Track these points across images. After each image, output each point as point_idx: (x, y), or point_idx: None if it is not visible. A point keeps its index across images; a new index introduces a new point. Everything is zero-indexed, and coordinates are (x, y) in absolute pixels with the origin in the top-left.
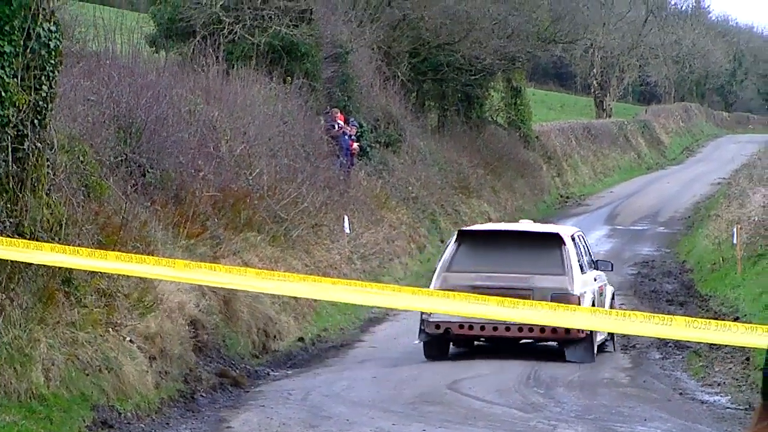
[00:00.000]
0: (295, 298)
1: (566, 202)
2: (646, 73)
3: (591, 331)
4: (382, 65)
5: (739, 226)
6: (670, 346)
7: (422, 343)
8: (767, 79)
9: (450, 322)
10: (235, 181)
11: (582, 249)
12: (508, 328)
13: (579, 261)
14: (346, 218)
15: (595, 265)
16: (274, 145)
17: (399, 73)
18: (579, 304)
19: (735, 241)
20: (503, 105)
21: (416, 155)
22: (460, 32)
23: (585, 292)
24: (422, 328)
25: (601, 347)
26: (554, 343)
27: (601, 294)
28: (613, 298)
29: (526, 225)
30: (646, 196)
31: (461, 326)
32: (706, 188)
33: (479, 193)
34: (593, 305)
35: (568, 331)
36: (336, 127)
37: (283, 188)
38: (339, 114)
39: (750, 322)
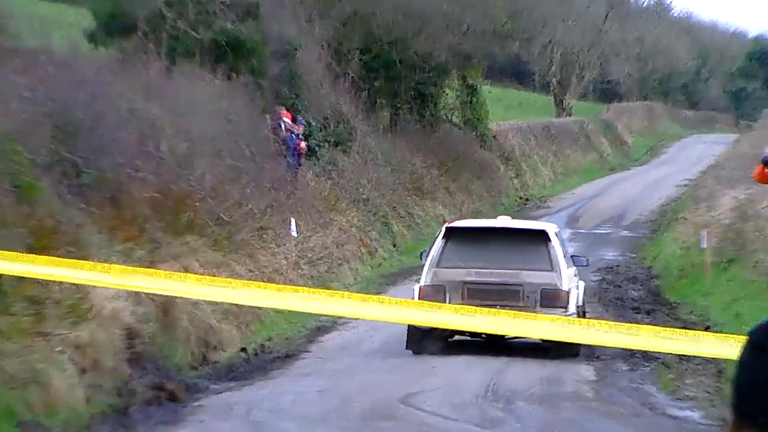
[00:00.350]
0: (237, 305)
1: (525, 204)
2: (608, 70)
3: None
4: (331, 62)
5: (707, 230)
6: (637, 357)
7: (407, 334)
8: (733, 77)
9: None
10: (176, 182)
11: (563, 245)
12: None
13: (564, 256)
14: (292, 221)
15: (573, 260)
16: (217, 144)
17: (349, 71)
18: (568, 299)
19: (704, 246)
20: (458, 103)
21: (367, 155)
22: (413, 28)
23: (572, 287)
24: (411, 326)
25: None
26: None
27: (579, 288)
28: (584, 294)
29: (511, 221)
30: (610, 198)
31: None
32: (672, 190)
33: (433, 195)
34: (578, 300)
35: None
36: (282, 125)
37: (226, 189)
38: (285, 112)
39: (721, 332)
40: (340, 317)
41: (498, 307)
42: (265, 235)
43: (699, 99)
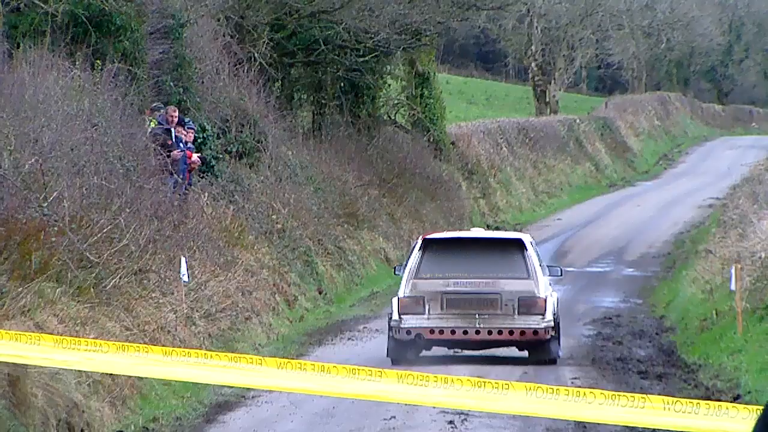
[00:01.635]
0: (111, 375)
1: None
2: (607, 50)
3: (557, 331)
4: (232, 43)
5: (738, 266)
6: None
7: (388, 348)
8: None
9: (421, 327)
10: (24, 210)
11: (538, 254)
12: (477, 332)
13: (540, 265)
14: (183, 261)
15: (548, 270)
16: (78, 157)
17: (257, 54)
18: (545, 306)
19: (733, 288)
20: (405, 98)
21: (282, 170)
22: None
23: (548, 295)
24: (391, 334)
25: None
26: (517, 348)
27: (553, 297)
28: (557, 304)
29: (487, 232)
30: (608, 226)
31: (432, 331)
32: (692, 213)
33: (372, 223)
34: (554, 308)
35: (535, 332)
36: (172, 131)
37: (92, 219)
38: (175, 113)
39: (756, 403)
40: (248, 389)
41: (476, 316)
42: (145, 281)
43: (730, 88)
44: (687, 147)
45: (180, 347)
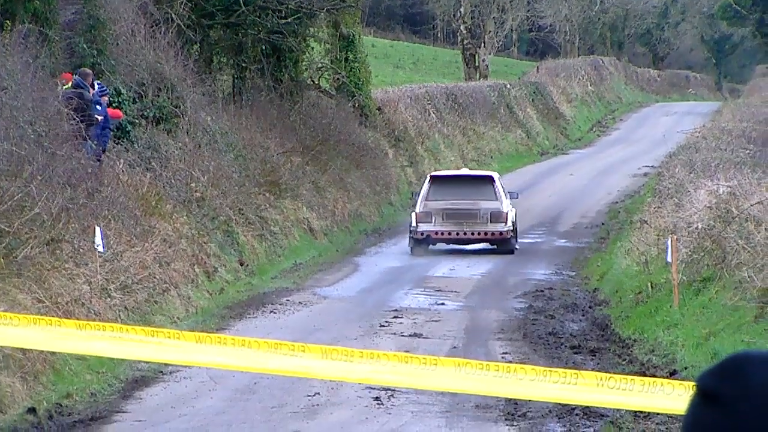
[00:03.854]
0: (22, 349)
1: None
2: (538, 12)
3: (515, 233)
4: (148, 3)
5: (674, 237)
6: (576, 415)
7: (410, 246)
8: (713, 21)
9: (430, 231)
10: None
11: (503, 185)
12: (465, 233)
13: (504, 192)
14: (98, 230)
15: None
16: None
17: (174, 15)
18: (506, 218)
19: (669, 260)
20: (329, 62)
21: (202, 136)
22: None
23: (509, 211)
24: (411, 236)
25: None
26: (489, 244)
27: (513, 212)
28: (516, 216)
29: (471, 171)
30: (540, 195)
31: (436, 233)
32: (627, 182)
33: (295, 192)
34: (514, 219)
35: (501, 233)
36: (90, 96)
37: (2, 187)
38: (90, 77)
39: (692, 379)
40: (165, 364)
41: (464, 224)
42: (58, 251)
43: (666, 52)
44: (621, 113)
45: (95, 320)
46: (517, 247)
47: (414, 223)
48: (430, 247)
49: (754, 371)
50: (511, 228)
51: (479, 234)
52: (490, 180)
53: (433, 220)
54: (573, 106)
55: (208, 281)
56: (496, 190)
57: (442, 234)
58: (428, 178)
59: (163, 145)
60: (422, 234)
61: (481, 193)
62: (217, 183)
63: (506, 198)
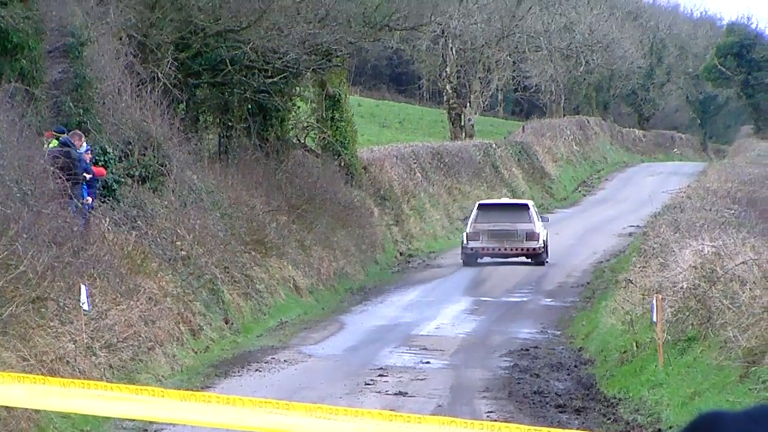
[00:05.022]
0: (7, 407)
1: (408, 262)
2: (524, 72)
3: (546, 249)
4: (135, 62)
5: (659, 297)
6: None
7: (462, 258)
8: (699, 81)
9: (478, 247)
10: None
11: (536, 211)
12: (506, 249)
13: (537, 216)
14: (83, 289)
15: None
16: None
17: (160, 74)
18: (539, 237)
19: (654, 319)
20: (315, 121)
21: (187, 195)
22: (250, 15)
23: (541, 232)
24: (463, 251)
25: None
26: (525, 258)
27: (544, 232)
28: (547, 235)
29: (511, 200)
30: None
31: (483, 249)
32: (612, 241)
33: (281, 251)
34: (545, 238)
35: (534, 249)
36: (77, 154)
37: None
38: (81, 139)
39: None
40: (150, 422)
41: (505, 242)
42: (44, 309)
43: (651, 113)
44: (607, 173)
45: (80, 378)
46: (547, 260)
47: (465, 241)
48: (478, 260)
49: (720, 426)
50: (543, 245)
51: (517, 249)
52: (525, 207)
53: (480, 239)
54: (558, 166)
55: (193, 339)
56: (531, 215)
57: (488, 249)
58: (477, 205)
59: (148, 204)
60: (472, 249)
61: (518, 217)
62: (202, 241)
63: (539, 221)
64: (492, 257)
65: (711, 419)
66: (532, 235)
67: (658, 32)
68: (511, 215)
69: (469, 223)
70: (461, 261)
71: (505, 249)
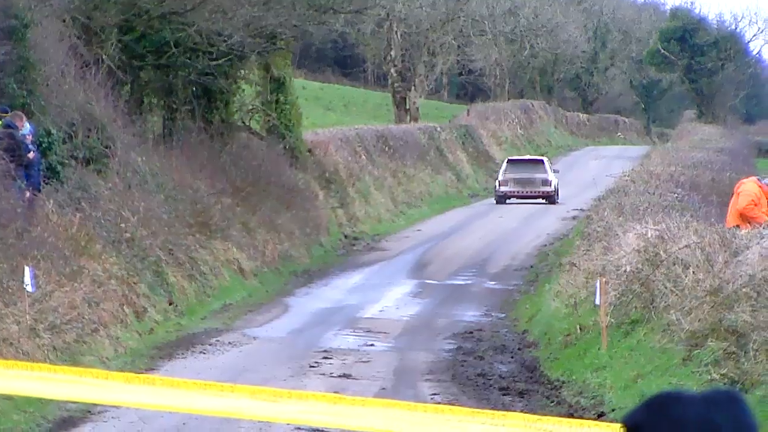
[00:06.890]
0: None
1: (353, 245)
2: (469, 56)
3: (557, 192)
4: (78, 44)
5: (603, 280)
6: None
7: (495, 200)
8: (642, 66)
9: (507, 191)
10: None
11: (550, 163)
12: (528, 192)
13: (550, 168)
14: (27, 270)
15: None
16: None
17: (105, 57)
18: (551, 183)
19: (598, 302)
20: (260, 104)
21: (132, 177)
22: None
23: (552, 180)
24: (496, 194)
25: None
26: (541, 199)
27: (556, 179)
28: (558, 181)
29: (532, 156)
30: (470, 237)
31: (511, 192)
32: (557, 225)
33: (225, 233)
34: (557, 184)
35: (548, 193)
36: (27, 133)
37: None
38: (23, 120)
39: (619, 421)
40: (94, 404)
41: (526, 186)
42: None
43: (595, 96)
44: (551, 157)
45: (23, 360)
46: (558, 201)
47: (498, 186)
48: (507, 202)
49: (675, 407)
50: (554, 190)
51: (535, 192)
52: (542, 162)
53: (509, 185)
54: (503, 149)
55: (137, 321)
56: (545, 167)
57: (514, 192)
58: (506, 160)
59: (93, 186)
60: (503, 192)
61: (536, 169)
62: (147, 223)
63: (552, 172)
64: (517, 198)
65: (666, 400)
66: (546, 182)
67: (602, 17)
68: (532, 167)
69: (500, 173)
70: (494, 201)
71: (527, 192)
